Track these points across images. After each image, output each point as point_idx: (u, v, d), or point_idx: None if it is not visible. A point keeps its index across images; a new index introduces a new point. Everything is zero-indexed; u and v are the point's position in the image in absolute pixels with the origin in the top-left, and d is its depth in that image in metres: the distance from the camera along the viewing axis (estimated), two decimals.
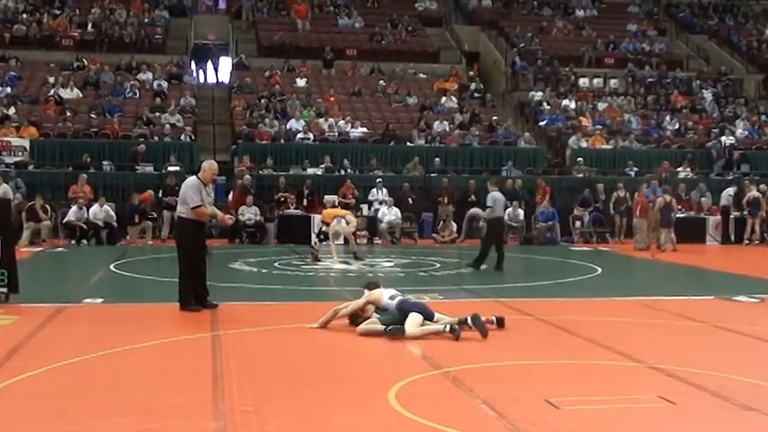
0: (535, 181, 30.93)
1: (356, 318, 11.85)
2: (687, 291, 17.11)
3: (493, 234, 20.67)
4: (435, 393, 8.60)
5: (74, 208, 26.64)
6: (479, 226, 24.10)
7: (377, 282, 12.54)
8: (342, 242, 23.46)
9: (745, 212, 29.45)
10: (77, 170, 28.72)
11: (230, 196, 28.57)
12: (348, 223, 22.19)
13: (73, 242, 26.17)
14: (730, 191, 30.15)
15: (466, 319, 11.41)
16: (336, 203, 27.27)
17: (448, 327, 11.28)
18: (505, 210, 27.96)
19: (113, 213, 27.00)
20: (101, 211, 26.69)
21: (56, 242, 26.41)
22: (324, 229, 22.36)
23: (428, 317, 11.58)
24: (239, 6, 44.49)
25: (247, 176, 28.58)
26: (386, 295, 11.93)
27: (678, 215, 27.69)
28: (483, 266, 20.22)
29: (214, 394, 8.39)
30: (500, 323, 11.94)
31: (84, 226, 26.38)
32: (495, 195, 20.54)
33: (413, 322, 11.31)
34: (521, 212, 28.74)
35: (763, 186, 29.82)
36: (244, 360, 9.96)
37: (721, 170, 34.38)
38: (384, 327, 11.35)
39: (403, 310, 11.51)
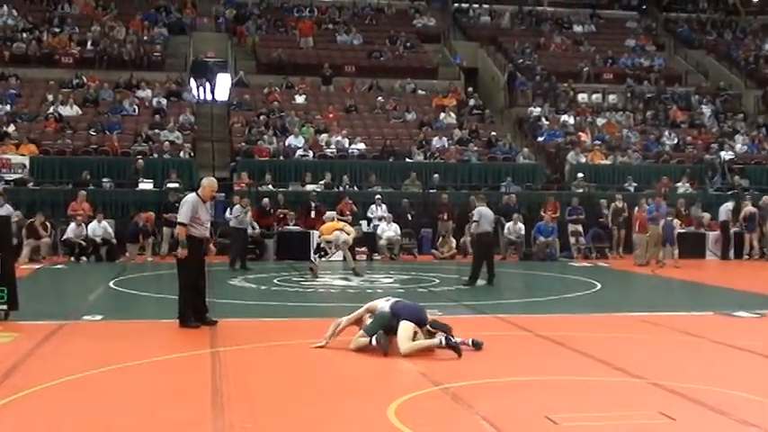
0: (533, 197, 31.01)
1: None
2: (687, 306, 17.10)
3: (481, 249, 20.74)
4: (435, 410, 8.59)
5: (72, 225, 26.67)
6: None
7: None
8: (341, 259, 23.47)
9: (743, 227, 29.50)
10: (77, 187, 28.71)
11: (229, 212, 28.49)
12: (348, 234, 22.37)
13: (72, 259, 26.19)
14: (729, 206, 30.11)
15: (440, 340, 11.29)
16: (335, 219, 27.31)
17: (444, 340, 11.21)
18: (502, 225, 28.13)
19: (111, 230, 27.03)
20: (99, 228, 26.72)
21: (55, 259, 26.41)
22: (323, 245, 22.41)
23: (420, 322, 11.51)
24: (244, 29, 44.36)
25: (265, 200, 28.46)
26: (381, 300, 11.97)
27: (678, 230, 27.63)
28: (480, 282, 20.29)
29: (213, 411, 8.38)
30: (476, 346, 11.65)
31: (83, 243, 26.42)
32: (481, 210, 20.66)
33: (405, 336, 11.21)
34: (521, 227, 28.75)
35: (766, 199, 29.79)
36: (243, 377, 9.95)
37: (720, 185, 34.38)
38: (369, 338, 11.33)
39: (396, 312, 11.48)
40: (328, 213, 28.26)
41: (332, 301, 18.33)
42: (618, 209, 29.45)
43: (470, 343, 11.58)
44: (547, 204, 30.05)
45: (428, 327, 11.56)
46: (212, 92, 42.28)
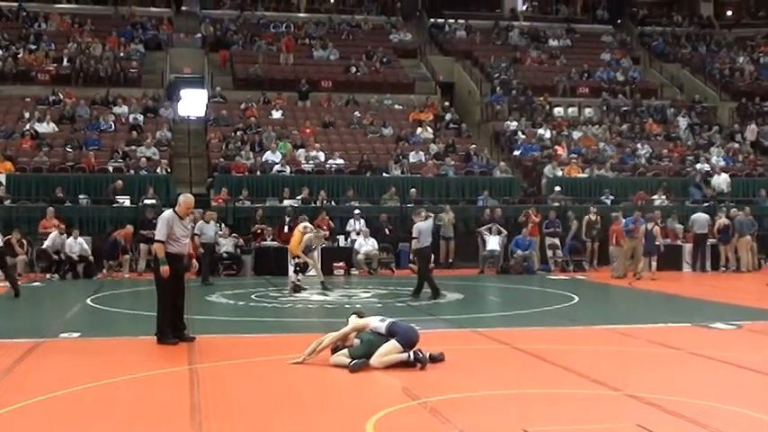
0: (510, 210, 31.09)
1: (339, 348, 11.76)
2: (664, 318, 17.13)
3: (423, 262, 21.26)
4: (413, 424, 8.59)
5: (54, 233, 26.50)
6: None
7: (362, 312, 12.53)
8: (313, 273, 23.50)
9: (717, 239, 29.63)
10: (54, 204, 28.58)
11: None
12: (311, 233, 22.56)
13: (48, 276, 26.02)
14: (704, 217, 30.09)
15: (408, 355, 11.35)
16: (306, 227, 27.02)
17: (412, 355, 11.26)
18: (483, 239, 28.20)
19: (87, 247, 26.92)
20: (75, 244, 26.59)
21: (32, 276, 26.28)
22: (300, 261, 22.46)
23: (411, 346, 11.53)
24: (224, 48, 44.40)
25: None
26: (375, 319, 11.90)
27: (658, 242, 27.71)
28: (444, 294, 20.70)
29: (192, 427, 8.36)
30: (434, 359, 11.60)
31: (59, 257, 26.28)
32: (419, 226, 21.06)
33: (384, 351, 11.27)
34: (498, 239, 28.88)
35: (734, 211, 29.95)
36: (221, 393, 9.93)
37: (699, 197, 34.50)
38: (349, 361, 11.29)
39: (391, 333, 11.49)
40: (301, 225, 28.05)
41: (310, 316, 18.32)
42: (591, 222, 29.52)
43: (428, 357, 11.59)
44: (528, 214, 29.93)
45: (411, 358, 11.48)
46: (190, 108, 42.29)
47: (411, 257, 22.49)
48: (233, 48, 44.30)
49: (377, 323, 11.71)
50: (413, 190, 32.01)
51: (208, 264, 24.83)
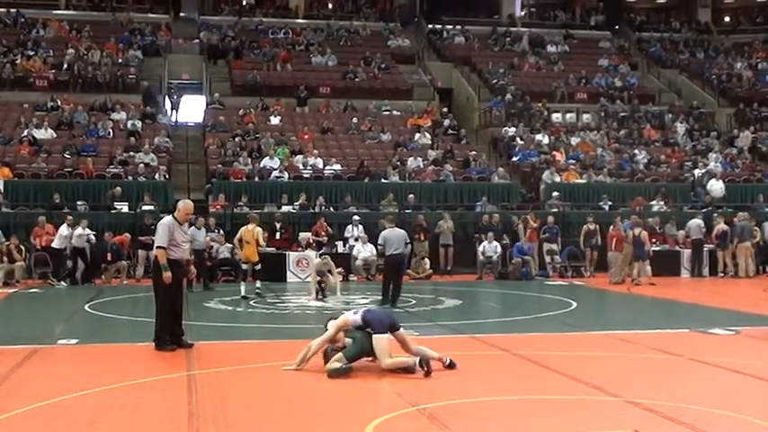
0: (508, 216, 31.03)
1: (330, 353, 11.72)
2: (662, 324, 17.15)
3: (389, 270, 21.43)
4: (411, 430, 8.59)
5: (63, 227, 26.37)
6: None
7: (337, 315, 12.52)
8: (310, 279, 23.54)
9: (715, 245, 29.60)
10: (52, 210, 28.55)
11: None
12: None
13: (56, 282, 25.93)
14: (701, 223, 30.12)
15: (414, 362, 11.32)
16: (311, 241, 27.27)
17: (417, 361, 11.25)
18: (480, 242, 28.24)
19: (93, 237, 26.68)
20: (84, 234, 26.34)
21: (30, 282, 26.26)
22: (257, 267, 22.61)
23: (393, 327, 11.56)
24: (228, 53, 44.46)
25: None
26: (349, 313, 11.93)
27: (653, 248, 27.66)
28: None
29: None
30: (451, 366, 11.58)
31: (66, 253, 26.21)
32: (385, 234, 21.28)
33: (382, 350, 11.26)
34: (497, 245, 28.83)
35: (741, 215, 29.95)
36: (219, 399, 9.92)
37: (701, 202, 34.49)
38: (342, 363, 11.26)
39: (366, 321, 11.50)
40: (302, 235, 28.03)
41: (308, 322, 18.27)
42: (590, 231, 29.48)
43: (447, 361, 11.56)
44: (526, 219, 29.91)
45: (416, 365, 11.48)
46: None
47: (378, 263, 22.66)
48: (231, 54, 44.25)
49: (352, 317, 11.75)
50: (411, 196, 31.99)
51: (205, 270, 24.88)
